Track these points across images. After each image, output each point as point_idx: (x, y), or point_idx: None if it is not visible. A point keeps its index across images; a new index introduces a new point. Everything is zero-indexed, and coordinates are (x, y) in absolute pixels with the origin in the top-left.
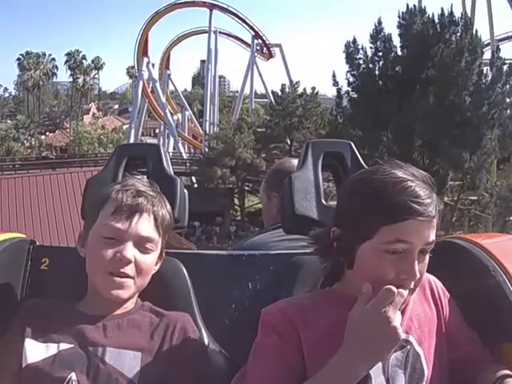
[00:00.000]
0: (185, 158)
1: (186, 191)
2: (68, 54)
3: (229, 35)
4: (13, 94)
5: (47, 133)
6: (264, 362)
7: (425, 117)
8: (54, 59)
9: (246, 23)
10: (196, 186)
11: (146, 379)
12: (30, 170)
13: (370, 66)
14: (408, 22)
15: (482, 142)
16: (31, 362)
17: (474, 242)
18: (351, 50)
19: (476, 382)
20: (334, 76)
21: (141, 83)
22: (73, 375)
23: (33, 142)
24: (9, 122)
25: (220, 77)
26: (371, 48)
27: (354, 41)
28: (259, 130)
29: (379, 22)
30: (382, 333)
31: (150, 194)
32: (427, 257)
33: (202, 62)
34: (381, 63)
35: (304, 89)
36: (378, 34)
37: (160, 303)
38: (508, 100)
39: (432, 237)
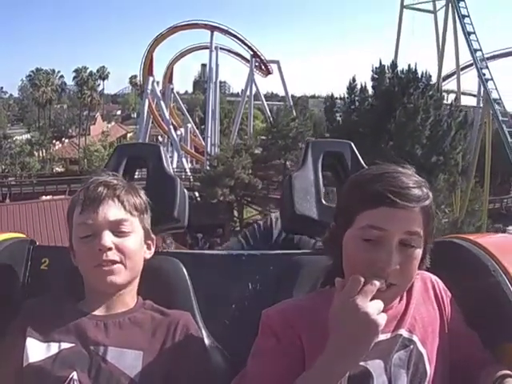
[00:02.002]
0: (189, 173)
1: (185, 191)
2: (76, 71)
3: (229, 51)
4: (15, 95)
5: (54, 141)
6: (263, 365)
7: (386, 162)
8: (62, 76)
9: (245, 44)
10: (199, 199)
11: (148, 378)
12: (46, 185)
13: (347, 112)
14: (379, 76)
15: (432, 184)
16: (32, 361)
17: (474, 241)
18: (328, 105)
19: (476, 382)
20: (314, 125)
21: (147, 102)
22: (74, 374)
23: (44, 155)
24: (18, 132)
25: (221, 82)
26: (347, 98)
27: (332, 96)
28: (256, 152)
29: (353, 80)
30: (354, 323)
31: (111, 182)
32: (416, 252)
33: (203, 65)
34: (356, 110)
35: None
36: (352, 90)
37: (160, 303)
38: (457, 149)
39: (412, 227)
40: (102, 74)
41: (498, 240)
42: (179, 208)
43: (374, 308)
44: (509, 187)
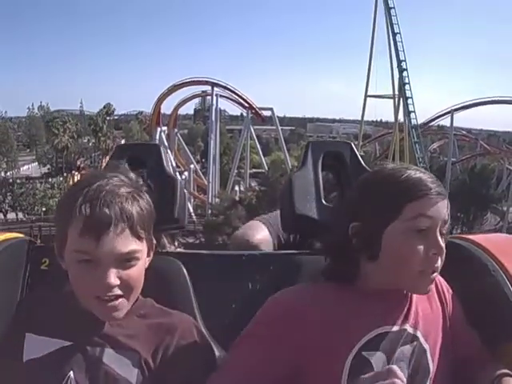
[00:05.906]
0: (193, 217)
1: (185, 192)
2: (90, 119)
3: (228, 98)
4: (12, 115)
5: (64, 173)
6: (246, 352)
7: None
8: (77, 124)
9: (241, 98)
10: (202, 239)
11: (144, 381)
12: None
13: None
14: None
15: None
16: (32, 356)
17: (474, 241)
18: None
19: (475, 382)
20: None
21: None
22: (71, 374)
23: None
24: (27, 160)
25: (220, 110)
26: None
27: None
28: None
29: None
30: None
31: (117, 194)
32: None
33: (203, 91)
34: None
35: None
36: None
37: (160, 303)
38: None
39: (447, 216)
40: (109, 111)
41: (498, 240)
42: (179, 208)
43: None
44: (480, 222)
